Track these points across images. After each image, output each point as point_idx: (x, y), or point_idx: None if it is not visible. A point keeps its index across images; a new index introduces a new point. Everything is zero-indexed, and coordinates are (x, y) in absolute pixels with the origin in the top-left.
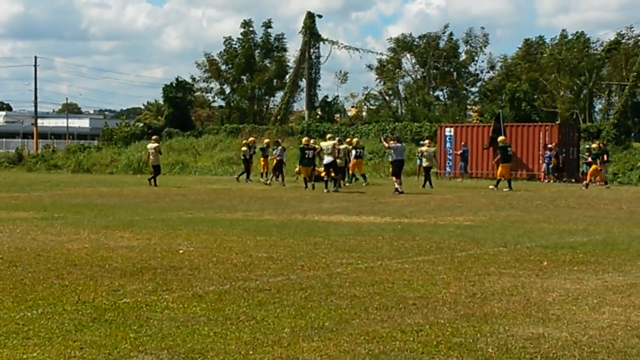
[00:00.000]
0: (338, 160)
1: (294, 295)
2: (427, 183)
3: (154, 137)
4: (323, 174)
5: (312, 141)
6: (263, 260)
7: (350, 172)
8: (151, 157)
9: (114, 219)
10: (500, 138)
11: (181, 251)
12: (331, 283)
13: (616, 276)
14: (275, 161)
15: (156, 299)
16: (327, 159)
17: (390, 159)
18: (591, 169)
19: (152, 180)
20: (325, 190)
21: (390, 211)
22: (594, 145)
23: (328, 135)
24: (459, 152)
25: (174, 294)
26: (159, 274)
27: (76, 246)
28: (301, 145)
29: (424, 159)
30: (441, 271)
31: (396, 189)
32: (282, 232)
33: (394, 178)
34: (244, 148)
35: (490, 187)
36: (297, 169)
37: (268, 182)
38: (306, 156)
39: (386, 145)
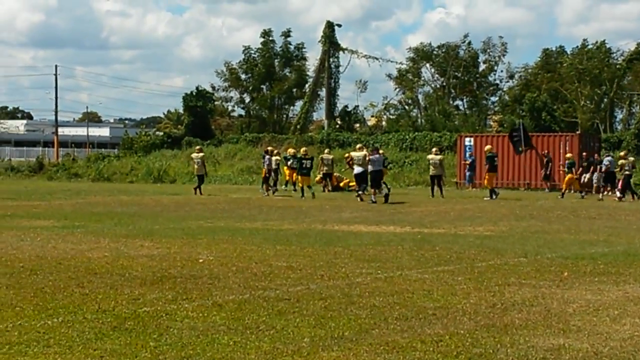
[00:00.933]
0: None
1: (314, 305)
2: (438, 192)
3: (197, 147)
4: (352, 183)
5: (328, 152)
6: (283, 270)
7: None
8: (196, 166)
9: (134, 227)
10: (487, 147)
11: (201, 260)
12: (351, 293)
13: (637, 287)
14: (263, 172)
15: (176, 308)
16: (358, 169)
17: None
18: (567, 178)
19: (197, 189)
20: (357, 198)
21: (410, 221)
22: (568, 155)
23: (358, 145)
24: (467, 162)
25: (193, 303)
26: (178, 282)
27: (96, 255)
28: (299, 155)
29: (430, 167)
30: (461, 281)
31: (371, 199)
32: (302, 241)
33: (371, 190)
34: (275, 157)
35: (485, 198)
36: (317, 178)
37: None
38: (304, 166)
39: (350, 165)
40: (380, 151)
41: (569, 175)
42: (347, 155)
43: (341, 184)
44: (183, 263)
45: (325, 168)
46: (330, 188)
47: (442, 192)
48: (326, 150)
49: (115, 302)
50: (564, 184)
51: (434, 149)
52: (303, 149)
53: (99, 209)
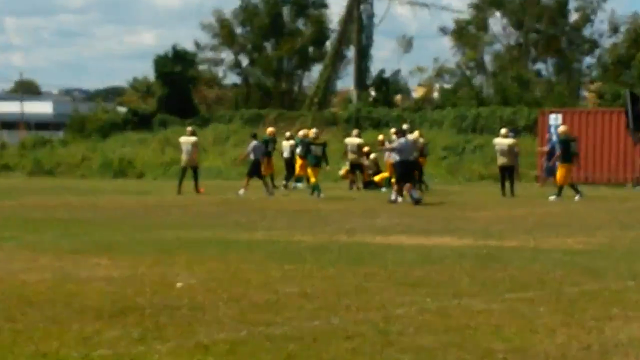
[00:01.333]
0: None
1: (337, 347)
2: (509, 189)
3: (189, 129)
4: (377, 178)
5: (356, 134)
6: (293, 298)
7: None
8: (184, 156)
9: (86, 240)
10: (561, 129)
11: (179, 285)
12: (388, 329)
13: None
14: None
15: (145, 351)
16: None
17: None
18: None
19: (196, 186)
20: (394, 198)
21: (472, 230)
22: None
23: (405, 125)
24: (545, 149)
25: (169, 343)
26: (148, 316)
27: (34, 277)
28: (306, 139)
29: (498, 155)
30: (543, 314)
31: (390, 198)
32: (321, 258)
33: (395, 185)
34: (289, 142)
35: (551, 197)
36: (342, 172)
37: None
38: (313, 153)
39: (387, 146)
40: (415, 133)
41: None
42: (381, 138)
43: (376, 179)
44: (154, 289)
45: (353, 157)
46: (360, 184)
47: (513, 190)
48: (354, 132)
49: (60, 343)
50: None
51: (502, 130)
52: (313, 130)
53: (38, 215)
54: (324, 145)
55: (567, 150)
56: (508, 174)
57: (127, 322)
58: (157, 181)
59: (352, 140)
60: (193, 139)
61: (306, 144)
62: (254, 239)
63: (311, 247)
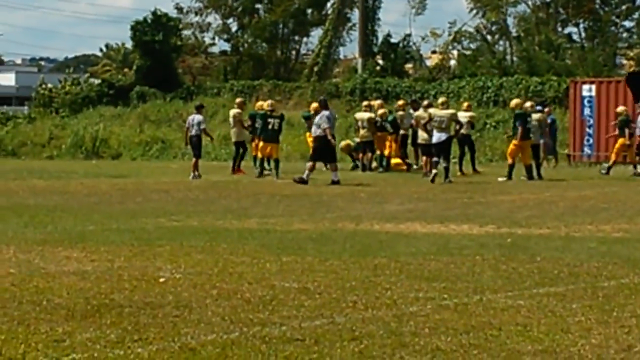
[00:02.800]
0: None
1: (343, 349)
2: (535, 173)
3: (238, 100)
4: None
5: (366, 107)
6: (292, 294)
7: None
8: (233, 129)
9: (56, 229)
10: (621, 108)
11: (162, 280)
12: (401, 329)
13: None
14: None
15: (123, 355)
16: (438, 136)
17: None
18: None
19: (236, 165)
20: (427, 177)
21: (495, 216)
22: (619, 109)
23: (441, 99)
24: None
25: (151, 346)
26: (126, 315)
27: None
28: (262, 111)
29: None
30: (577, 311)
31: (425, 173)
32: (323, 249)
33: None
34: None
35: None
36: (343, 144)
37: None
38: (269, 126)
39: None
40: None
41: (621, 140)
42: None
43: (392, 163)
44: (134, 284)
45: (364, 133)
46: (373, 165)
47: (540, 171)
48: (364, 104)
49: (27, 346)
50: (614, 154)
51: (528, 103)
52: (268, 101)
53: (0, 202)
54: (281, 117)
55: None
56: (535, 152)
57: (102, 322)
58: (136, 162)
59: (362, 115)
60: (233, 111)
61: (263, 115)
62: (246, 228)
63: (312, 236)
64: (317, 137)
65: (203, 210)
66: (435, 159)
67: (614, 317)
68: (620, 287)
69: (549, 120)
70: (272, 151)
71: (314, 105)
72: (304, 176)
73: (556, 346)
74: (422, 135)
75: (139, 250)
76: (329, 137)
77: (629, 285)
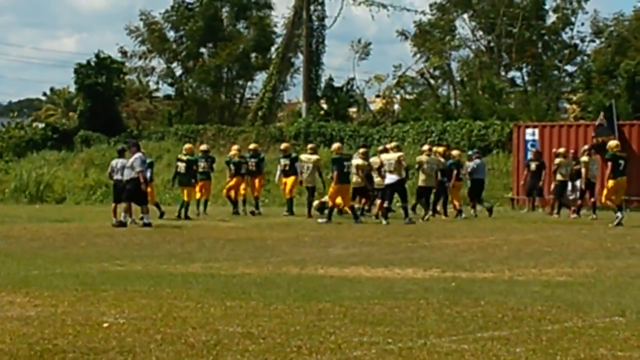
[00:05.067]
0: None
1: None
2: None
3: (310, 146)
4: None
5: (311, 150)
6: (237, 339)
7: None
8: (305, 174)
9: None
10: (612, 143)
11: (106, 325)
12: None
13: None
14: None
15: None
16: (391, 178)
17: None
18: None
19: (309, 208)
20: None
21: (439, 260)
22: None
23: (391, 144)
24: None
25: None
26: None
27: None
28: (183, 156)
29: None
30: (521, 355)
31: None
32: (267, 293)
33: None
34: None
35: (593, 216)
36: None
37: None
38: (197, 169)
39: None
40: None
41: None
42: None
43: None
44: (77, 329)
45: (306, 177)
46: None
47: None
48: (309, 147)
49: None
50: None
51: (455, 152)
52: (187, 146)
53: None
54: (212, 160)
55: (617, 164)
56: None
57: None
58: (80, 206)
59: (307, 158)
60: (314, 157)
61: (185, 160)
62: (190, 272)
63: (257, 280)
64: (131, 180)
65: (147, 254)
66: (386, 204)
67: None
68: (564, 330)
69: (472, 165)
70: (204, 192)
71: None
72: (122, 218)
73: None
74: (376, 179)
75: (83, 295)
76: (142, 179)
77: (573, 329)
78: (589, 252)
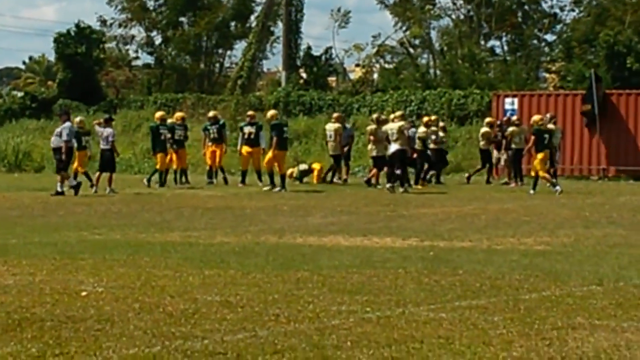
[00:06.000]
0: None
1: None
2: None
3: (335, 115)
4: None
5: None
6: (215, 307)
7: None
8: (330, 142)
9: None
10: (535, 117)
11: (84, 293)
12: (323, 343)
13: None
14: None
15: None
16: (394, 147)
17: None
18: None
19: (331, 175)
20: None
21: (417, 229)
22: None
23: (396, 114)
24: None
25: None
26: (48, 329)
27: None
28: (152, 124)
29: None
30: (498, 323)
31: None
32: (245, 262)
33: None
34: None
35: (531, 192)
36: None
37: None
38: (165, 137)
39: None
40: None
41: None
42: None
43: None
44: (55, 298)
45: (332, 145)
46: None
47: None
48: (334, 117)
49: None
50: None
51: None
52: (159, 113)
53: None
54: (185, 127)
55: (542, 137)
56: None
57: (23, 336)
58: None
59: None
60: (336, 125)
61: (153, 128)
62: (169, 241)
63: (235, 249)
64: (58, 148)
65: (126, 223)
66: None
67: (535, 329)
68: (541, 299)
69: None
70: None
71: (178, 114)
72: (58, 188)
73: (478, 359)
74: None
75: (61, 264)
76: (64, 149)
77: (551, 298)
78: (567, 221)
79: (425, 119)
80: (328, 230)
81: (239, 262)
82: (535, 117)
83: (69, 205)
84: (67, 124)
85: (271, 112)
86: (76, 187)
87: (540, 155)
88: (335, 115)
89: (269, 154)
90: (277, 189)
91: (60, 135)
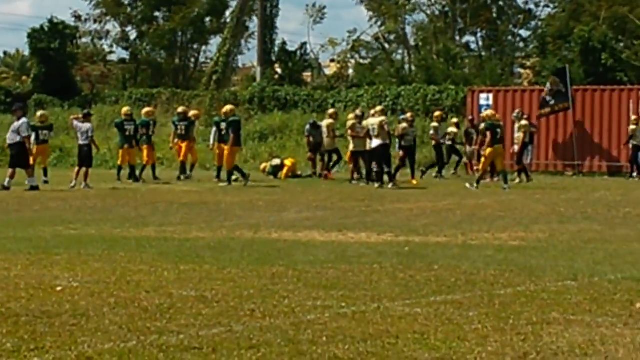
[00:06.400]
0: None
1: (240, 358)
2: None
3: (331, 111)
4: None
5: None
6: (190, 302)
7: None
8: (325, 137)
9: None
10: (488, 112)
11: (59, 288)
12: (298, 338)
13: None
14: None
15: None
16: (376, 142)
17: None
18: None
19: (328, 168)
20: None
21: (393, 224)
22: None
23: (377, 108)
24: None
25: (47, 355)
26: (23, 324)
27: None
28: (117, 120)
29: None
30: (473, 318)
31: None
32: (221, 257)
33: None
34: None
35: (467, 185)
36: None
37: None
38: (130, 132)
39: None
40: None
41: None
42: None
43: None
44: (31, 293)
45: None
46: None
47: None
48: (124, 109)
49: None
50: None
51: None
52: (125, 108)
53: None
54: (149, 125)
55: (495, 134)
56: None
57: None
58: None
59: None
60: (328, 121)
61: (118, 124)
62: (144, 236)
63: (211, 244)
64: (15, 144)
65: (101, 218)
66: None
67: (510, 324)
68: (516, 294)
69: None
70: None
71: (147, 109)
72: (6, 183)
73: (453, 354)
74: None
75: (36, 259)
76: (28, 145)
77: (525, 293)
78: (542, 216)
79: (437, 113)
80: (303, 226)
81: (215, 257)
82: (488, 112)
83: (43, 200)
84: (24, 119)
85: (228, 107)
86: (36, 188)
87: (489, 150)
88: (330, 111)
89: (226, 151)
90: (224, 183)
91: (17, 131)
